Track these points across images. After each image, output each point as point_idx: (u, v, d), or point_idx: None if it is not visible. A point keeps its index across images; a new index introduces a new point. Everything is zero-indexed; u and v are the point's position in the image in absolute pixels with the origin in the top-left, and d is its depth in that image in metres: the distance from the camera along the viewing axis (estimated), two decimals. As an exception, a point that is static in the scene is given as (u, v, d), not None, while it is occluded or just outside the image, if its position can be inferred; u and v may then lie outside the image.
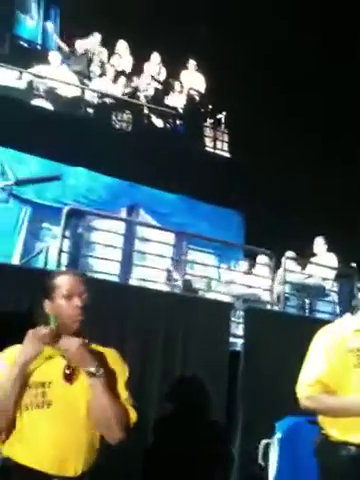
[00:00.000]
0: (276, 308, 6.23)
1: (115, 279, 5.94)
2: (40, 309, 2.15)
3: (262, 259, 7.08)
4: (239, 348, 4.99)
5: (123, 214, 7.63)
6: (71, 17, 8.86)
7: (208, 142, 9.40)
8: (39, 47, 8.83)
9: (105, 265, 5.99)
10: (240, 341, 5.04)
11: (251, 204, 8.02)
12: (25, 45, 8.55)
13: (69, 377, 2.02)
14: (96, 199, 7.30)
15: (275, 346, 4.76)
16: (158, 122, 8.77)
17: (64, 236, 5.33)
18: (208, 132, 9.52)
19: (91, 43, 8.94)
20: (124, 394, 2.10)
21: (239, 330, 5.30)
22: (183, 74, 9.65)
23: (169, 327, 4.60)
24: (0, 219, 6.57)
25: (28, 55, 8.16)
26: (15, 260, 6.55)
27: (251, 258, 7.25)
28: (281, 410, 3.27)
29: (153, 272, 6.49)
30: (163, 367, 4.47)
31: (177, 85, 9.37)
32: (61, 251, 5.22)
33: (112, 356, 2.18)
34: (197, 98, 9.52)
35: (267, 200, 8.25)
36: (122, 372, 2.15)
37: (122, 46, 9.25)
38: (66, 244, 5.45)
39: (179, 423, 4.16)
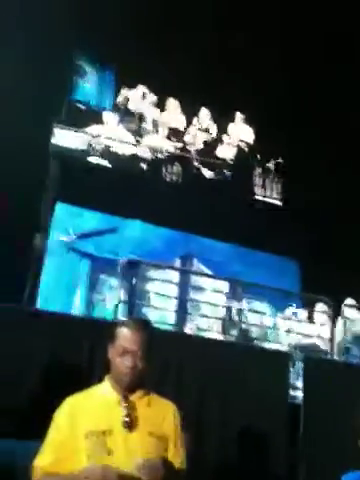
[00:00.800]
0: (336, 358, 6.02)
1: (170, 328, 5.97)
2: (105, 354, 2.23)
3: (320, 307, 6.92)
4: (300, 401, 4.82)
5: (177, 264, 7.74)
6: (125, 78, 9.37)
7: (259, 190, 9.47)
8: (95, 108, 9.35)
9: (161, 315, 6.05)
10: (301, 394, 4.88)
11: (306, 251, 7.92)
12: (81, 107, 9.07)
13: (129, 425, 2.07)
14: (151, 250, 7.46)
15: (337, 397, 4.57)
16: (208, 173, 8.97)
17: (121, 287, 5.46)
18: (257, 181, 9.61)
19: (144, 102, 9.41)
20: (182, 461, 2.18)
21: (300, 382, 5.14)
22: (230, 126, 9.91)
23: (226, 377, 4.52)
24: (61, 272, 6.83)
25: (84, 116, 8.63)
26: (75, 311, 6.73)
27: (309, 306, 7.10)
28: (345, 464, 3.12)
29: (208, 321, 6.48)
30: (220, 419, 4.37)
31: (225, 137, 9.63)
32: (119, 302, 5.34)
33: (172, 414, 2.23)
34: (246, 149, 9.71)
35: (323, 246, 8.12)
36: (180, 434, 2.20)
37: (172, 104, 9.68)
38: (123, 294, 5.58)
39: (238, 478, 4.03)
